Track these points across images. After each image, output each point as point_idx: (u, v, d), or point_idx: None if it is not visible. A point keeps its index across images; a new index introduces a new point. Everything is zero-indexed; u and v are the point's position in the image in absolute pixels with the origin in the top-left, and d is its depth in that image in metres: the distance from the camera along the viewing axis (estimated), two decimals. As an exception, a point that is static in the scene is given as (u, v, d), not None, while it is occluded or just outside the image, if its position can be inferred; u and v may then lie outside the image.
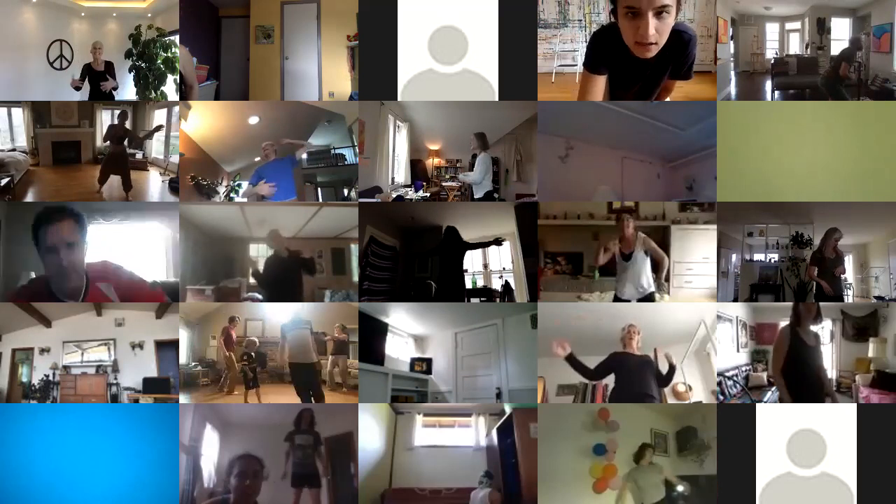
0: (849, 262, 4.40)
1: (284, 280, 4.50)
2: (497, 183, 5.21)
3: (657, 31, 3.16)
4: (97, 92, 4.48)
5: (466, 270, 4.96)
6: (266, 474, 3.65)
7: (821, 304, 4.19)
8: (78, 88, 4.45)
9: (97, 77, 4.50)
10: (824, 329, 4.17)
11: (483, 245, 4.87)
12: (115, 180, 4.45)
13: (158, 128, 4.64)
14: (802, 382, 3.94)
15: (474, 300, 5.03)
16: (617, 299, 4.23)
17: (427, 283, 5.04)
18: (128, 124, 4.61)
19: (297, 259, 4.52)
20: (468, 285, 5.04)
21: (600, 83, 3.44)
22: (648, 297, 4.19)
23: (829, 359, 4.31)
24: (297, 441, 4.06)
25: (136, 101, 4.62)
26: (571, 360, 3.94)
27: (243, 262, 4.92)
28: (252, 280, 4.61)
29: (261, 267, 4.59)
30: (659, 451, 4.12)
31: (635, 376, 4.04)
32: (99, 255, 3.37)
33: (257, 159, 4.87)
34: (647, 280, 4.18)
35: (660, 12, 3.12)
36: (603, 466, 4.02)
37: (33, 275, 4.01)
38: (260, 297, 4.52)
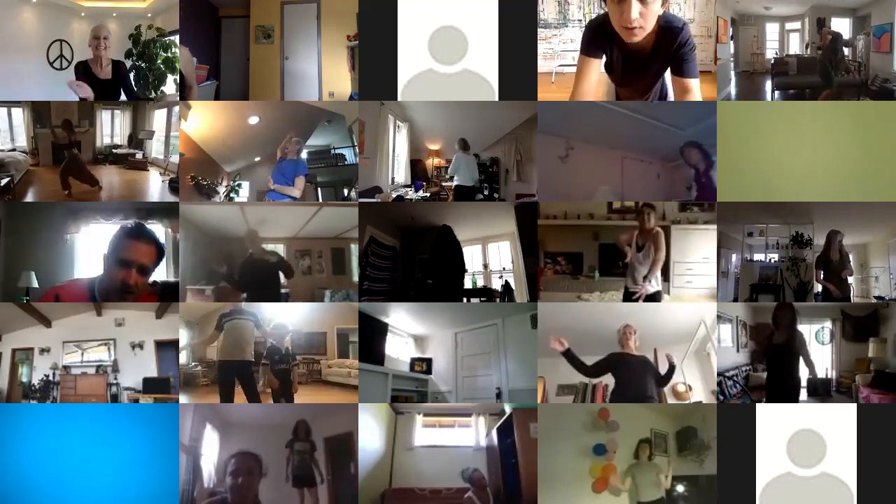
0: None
1: (261, 282, 4.46)
2: (497, 183, 5.22)
3: (641, 16, 3.29)
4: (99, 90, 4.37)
5: (466, 271, 4.93)
6: (265, 471, 3.60)
7: (821, 304, 4.20)
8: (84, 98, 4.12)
9: (104, 87, 4.33)
10: (804, 331, 4.18)
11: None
12: (113, 181, 4.46)
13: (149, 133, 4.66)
14: (780, 380, 4.00)
15: (474, 300, 5.03)
16: (627, 292, 4.20)
17: (427, 283, 5.04)
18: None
19: (271, 262, 4.48)
20: (468, 285, 5.00)
21: (596, 67, 3.56)
22: (654, 296, 4.15)
23: (830, 359, 4.32)
24: (296, 447, 4.15)
25: (136, 101, 4.62)
26: (569, 355, 3.94)
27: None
28: (224, 283, 4.52)
29: (235, 269, 4.53)
30: (659, 451, 4.12)
31: (634, 377, 4.03)
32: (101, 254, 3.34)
33: (258, 159, 4.87)
34: (656, 277, 4.13)
35: None
36: (603, 466, 4.02)
37: (34, 277, 4.03)
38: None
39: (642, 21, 3.31)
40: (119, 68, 4.25)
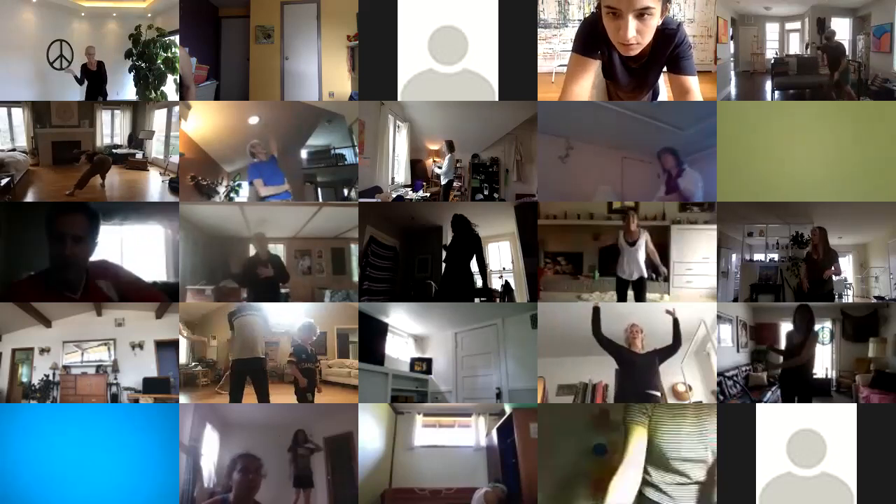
0: (849, 262, 4.40)
1: (262, 283, 4.46)
2: (497, 183, 5.22)
3: (638, 33, 3.21)
4: (94, 91, 4.47)
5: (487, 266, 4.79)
6: (265, 473, 3.73)
7: (821, 304, 4.20)
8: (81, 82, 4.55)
9: (93, 77, 4.51)
10: (822, 329, 4.22)
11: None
12: (113, 181, 4.47)
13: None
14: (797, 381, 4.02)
15: (475, 300, 5.02)
16: (619, 280, 4.33)
17: (427, 283, 5.04)
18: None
19: (261, 271, 4.46)
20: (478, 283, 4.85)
21: (590, 67, 3.49)
22: (642, 281, 4.35)
23: (829, 359, 4.32)
24: (299, 452, 4.23)
25: (136, 101, 4.63)
26: (596, 311, 4.02)
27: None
28: (232, 283, 4.53)
29: (238, 269, 4.54)
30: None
31: (638, 375, 4.03)
32: (100, 254, 3.34)
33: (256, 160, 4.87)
34: (643, 265, 4.35)
35: (641, 14, 3.16)
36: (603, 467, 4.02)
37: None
38: (260, 297, 4.52)
39: (640, 38, 3.22)
40: (100, 66, 4.57)
